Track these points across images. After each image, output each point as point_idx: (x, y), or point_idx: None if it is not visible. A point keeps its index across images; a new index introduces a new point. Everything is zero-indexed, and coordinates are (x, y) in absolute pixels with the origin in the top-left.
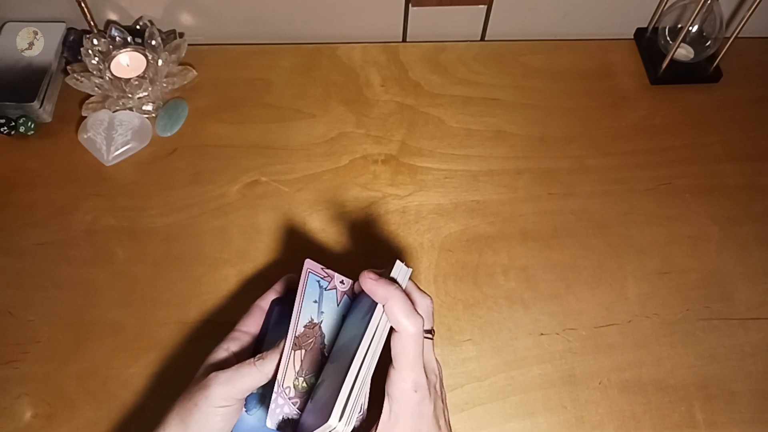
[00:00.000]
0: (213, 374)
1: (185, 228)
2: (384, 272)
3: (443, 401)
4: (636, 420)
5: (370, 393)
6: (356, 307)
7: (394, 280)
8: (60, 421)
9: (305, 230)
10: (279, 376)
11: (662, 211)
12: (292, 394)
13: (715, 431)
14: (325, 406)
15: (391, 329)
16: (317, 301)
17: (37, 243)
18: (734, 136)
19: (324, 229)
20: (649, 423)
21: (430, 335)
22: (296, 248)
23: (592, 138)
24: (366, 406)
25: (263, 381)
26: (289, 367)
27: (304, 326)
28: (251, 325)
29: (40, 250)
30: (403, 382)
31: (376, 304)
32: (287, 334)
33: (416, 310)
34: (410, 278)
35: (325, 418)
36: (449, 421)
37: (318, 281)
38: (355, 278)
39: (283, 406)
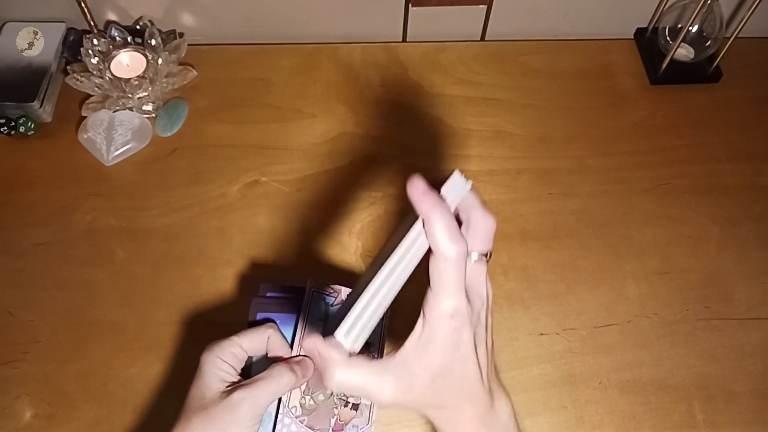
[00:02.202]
0: (237, 395)
1: (185, 228)
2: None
3: (487, 329)
4: (636, 420)
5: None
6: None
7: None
8: (60, 421)
9: (305, 230)
10: (284, 398)
11: (662, 211)
12: (299, 412)
13: (715, 431)
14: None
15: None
16: (323, 319)
17: (37, 243)
18: (734, 136)
19: (324, 229)
20: (649, 423)
21: (485, 257)
22: (296, 248)
23: (592, 138)
24: (384, 331)
25: (286, 390)
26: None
27: None
28: (256, 348)
29: (40, 250)
30: (439, 306)
31: (417, 216)
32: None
33: (460, 233)
34: (473, 191)
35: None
36: (491, 349)
37: (324, 298)
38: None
39: (290, 425)
